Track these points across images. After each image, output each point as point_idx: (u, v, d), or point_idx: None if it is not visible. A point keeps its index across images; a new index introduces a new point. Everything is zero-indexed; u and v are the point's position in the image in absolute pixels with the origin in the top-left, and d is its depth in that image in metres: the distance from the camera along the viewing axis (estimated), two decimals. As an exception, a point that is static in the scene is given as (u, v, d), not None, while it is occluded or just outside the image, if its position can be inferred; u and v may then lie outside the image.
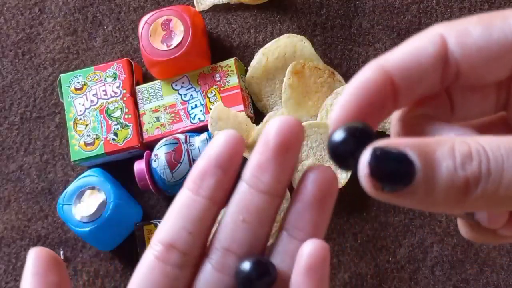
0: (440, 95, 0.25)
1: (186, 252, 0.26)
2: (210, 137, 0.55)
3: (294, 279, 0.25)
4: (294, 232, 0.26)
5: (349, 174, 0.55)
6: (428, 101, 0.25)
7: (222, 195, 0.26)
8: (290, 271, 0.25)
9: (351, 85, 0.24)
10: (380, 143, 0.20)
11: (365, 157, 0.20)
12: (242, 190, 0.26)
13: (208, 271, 0.27)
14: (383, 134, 0.58)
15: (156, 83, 0.59)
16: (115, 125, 0.58)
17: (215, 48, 0.62)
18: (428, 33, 0.24)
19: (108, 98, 0.59)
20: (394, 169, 0.20)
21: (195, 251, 0.27)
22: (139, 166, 0.55)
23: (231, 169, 0.26)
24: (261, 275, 0.25)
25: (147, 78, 0.62)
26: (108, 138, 0.57)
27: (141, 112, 0.58)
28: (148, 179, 0.55)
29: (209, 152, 0.26)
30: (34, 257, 0.27)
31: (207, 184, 0.26)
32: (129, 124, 0.58)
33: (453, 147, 0.20)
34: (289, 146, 0.25)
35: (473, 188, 0.20)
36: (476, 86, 0.25)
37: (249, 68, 0.59)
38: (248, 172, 0.26)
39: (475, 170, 0.20)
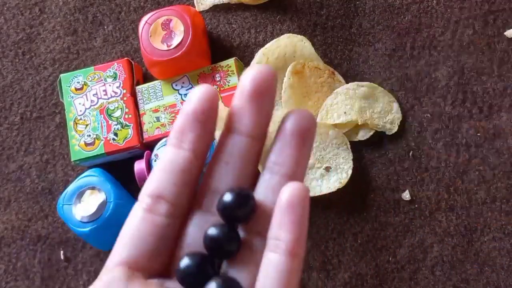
0: None
1: (174, 202, 0.27)
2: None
3: (275, 217, 0.26)
4: (275, 168, 0.28)
5: (349, 174, 0.55)
6: None
7: (203, 147, 0.28)
8: (273, 206, 0.26)
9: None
10: None
11: None
12: (225, 135, 0.28)
13: (197, 215, 0.28)
14: (383, 134, 0.58)
15: (156, 83, 0.59)
16: (115, 125, 0.58)
17: (215, 48, 0.62)
18: None
19: (108, 98, 0.59)
20: None
21: (182, 201, 0.28)
22: (139, 166, 0.55)
23: (209, 122, 0.28)
24: (240, 204, 0.26)
25: (147, 78, 0.62)
26: (108, 138, 0.57)
27: (141, 112, 0.58)
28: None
29: (186, 108, 0.27)
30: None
31: (187, 138, 0.27)
32: (129, 124, 0.58)
33: None
34: (263, 91, 0.27)
35: None
36: None
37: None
38: (229, 118, 0.28)
39: None
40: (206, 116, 0.27)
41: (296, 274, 0.26)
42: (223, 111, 0.56)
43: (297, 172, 0.28)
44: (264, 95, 0.27)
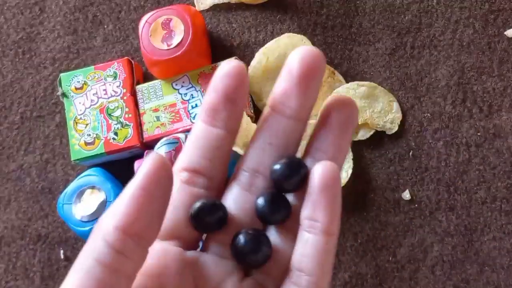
0: None
1: (210, 176, 0.28)
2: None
3: (310, 196, 0.26)
4: (317, 154, 0.28)
5: (350, 173, 0.55)
6: None
7: (234, 124, 0.28)
8: None
9: None
10: None
11: None
12: (269, 116, 0.28)
13: (235, 191, 0.28)
14: (383, 133, 0.58)
15: (156, 82, 0.59)
16: (115, 124, 0.58)
17: (215, 48, 0.62)
18: None
19: (108, 98, 0.59)
20: None
21: (218, 176, 0.28)
22: (140, 165, 0.55)
23: (240, 100, 0.27)
24: (293, 173, 0.27)
25: (147, 77, 0.62)
26: (108, 138, 0.57)
27: (141, 111, 0.58)
28: (148, 179, 0.55)
29: (216, 85, 0.27)
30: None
31: (220, 116, 0.27)
32: (129, 124, 0.58)
33: None
34: (312, 74, 0.27)
35: None
36: None
37: (249, 67, 0.59)
38: (274, 99, 0.27)
39: None
40: (237, 94, 0.27)
41: (332, 252, 0.27)
42: None
43: (338, 159, 0.28)
44: (313, 78, 0.27)
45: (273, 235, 0.28)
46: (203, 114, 0.28)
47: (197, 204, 0.27)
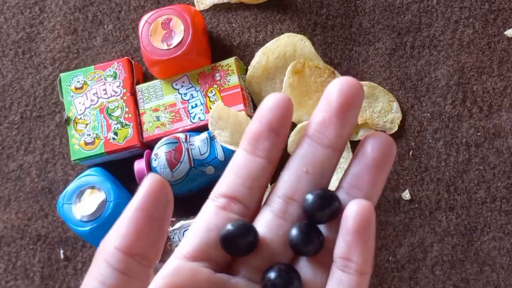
0: None
1: (246, 204, 0.28)
2: (210, 137, 0.55)
3: (344, 235, 0.27)
4: (352, 191, 0.28)
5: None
6: None
7: (276, 155, 0.28)
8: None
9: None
10: None
11: None
12: (306, 145, 0.28)
13: (268, 216, 0.28)
14: (383, 134, 0.58)
15: (156, 82, 0.59)
16: (115, 124, 0.58)
17: (215, 48, 0.62)
18: None
19: (108, 97, 0.59)
20: None
21: (254, 204, 0.28)
22: (139, 165, 0.55)
23: (283, 131, 0.28)
24: (325, 204, 0.27)
25: (147, 77, 0.62)
26: (108, 137, 0.57)
27: (141, 111, 0.58)
28: (148, 178, 0.55)
29: (262, 115, 0.27)
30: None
31: (262, 146, 0.28)
32: (129, 123, 0.58)
33: None
34: (351, 105, 0.27)
35: None
36: None
37: (249, 67, 0.59)
38: (312, 128, 0.28)
39: None
40: (280, 125, 0.28)
41: None
42: (223, 111, 0.56)
43: (373, 196, 0.28)
44: (352, 109, 0.27)
45: (305, 266, 0.28)
46: (245, 142, 0.28)
47: (229, 226, 0.27)
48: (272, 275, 0.26)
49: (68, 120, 0.57)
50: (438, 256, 0.55)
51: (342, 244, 0.27)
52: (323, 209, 0.27)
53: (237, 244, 0.27)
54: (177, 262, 0.26)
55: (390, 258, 0.55)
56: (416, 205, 0.56)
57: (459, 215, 0.55)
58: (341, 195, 0.28)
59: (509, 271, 0.54)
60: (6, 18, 0.67)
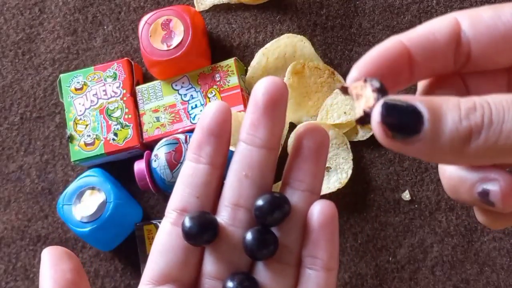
0: (456, 80, 0.26)
1: None
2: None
3: (310, 235, 0.28)
4: (295, 184, 0.29)
5: (350, 174, 0.55)
6: (444, 85, 0.26)
7: (220, 160, 0.29)
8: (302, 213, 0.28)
9: (370, 51, 0.25)
10: (392, 97, 0.22)
11: (378, 107, 0.21)
12: (241, 149, 0.29)
13: (220, 226, 0.29)
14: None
15: (156, 83, 0.59)
16: (115, 125, 0.58)
17: (215, 48, 0.62)
18: (444, 17, 0.26)
19: (108, 98, 0.59)
20: (404, 118, 0.21)
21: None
22: (139, 166, 0.55)
23: (223, 135, 0.29)
24: (276, 207, 0.28)
25: (147, 78, 0.62)
26: (108, 138, 0.57)
27: (141, 112, 0.58)
28: (148, 179, 0.55)
29: (201, 123, 0.29)
30: (48, 252, 0.29)
31: (205, 152, 0.28)
32: (129, 124, 0.58)
33: (459, 102, 0.21)
34: (277, 102, 0.28)
35: (475, 136, 0.21)
36: (488, 71, 0.26)
37: (249, 68, 0.59)
38: (244, 132, 0.29)
39: (478, 120, 0.21)
40: (220, 129, 0.28)
41: (333, 286, 0.28)
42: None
43: (316, 185, 0.29)
44: (278, 106, 0.28)
45: (263, 270, 0.28)
46: (190, 153, 0.29)
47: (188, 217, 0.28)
48: (230, 285, 0.27)
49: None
50: (438, 257, 0.55)
51: (308, 243, 0.28)
52: (273, 212, 0.27)
53: (198, 234, 0.27)
54: None
55: (390, 259, 0.55)
56: (416, 206, 0.56)
57: (459, 216, 0.55)
58: (287, 190, 0.29)
59: (509, 272, 0.54)
60: (6, 19, 0.67)
